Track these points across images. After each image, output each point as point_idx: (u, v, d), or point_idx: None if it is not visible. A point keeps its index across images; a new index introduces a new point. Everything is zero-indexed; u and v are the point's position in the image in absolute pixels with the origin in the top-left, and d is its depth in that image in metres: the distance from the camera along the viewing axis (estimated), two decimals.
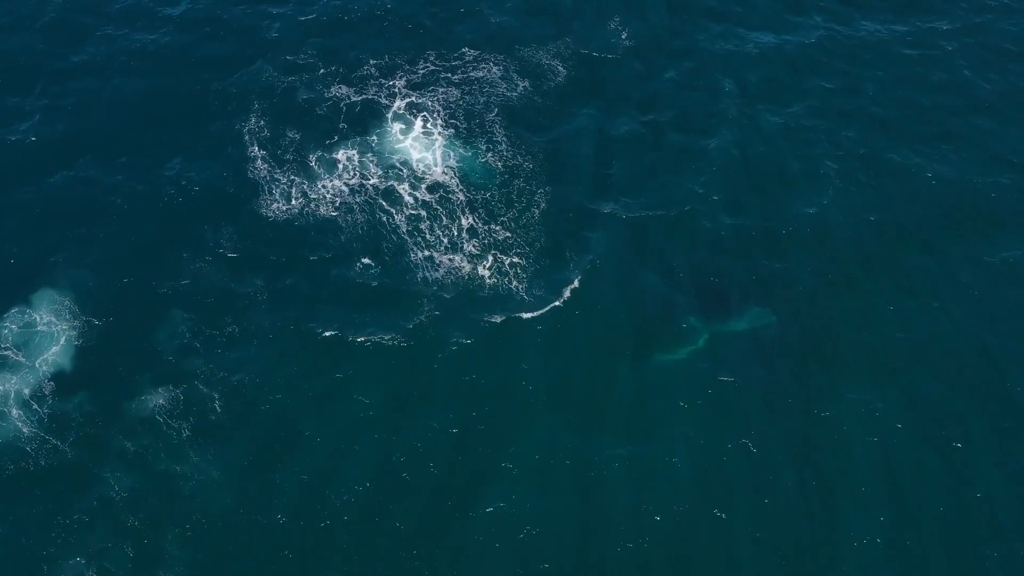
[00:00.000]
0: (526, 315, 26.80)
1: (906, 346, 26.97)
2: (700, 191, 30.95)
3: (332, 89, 33.49)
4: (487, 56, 35.04)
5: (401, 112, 32.51)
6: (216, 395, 24.99)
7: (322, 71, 34.23)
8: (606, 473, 23.89)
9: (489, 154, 31.20)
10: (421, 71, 34.23)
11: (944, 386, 26.07)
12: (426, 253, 28.21)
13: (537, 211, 29.58)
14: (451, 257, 28.02)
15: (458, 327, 26.52)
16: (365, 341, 26.19)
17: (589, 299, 27.56)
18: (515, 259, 28.07)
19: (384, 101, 32.98)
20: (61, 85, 33.77)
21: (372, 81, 33.76)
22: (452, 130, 32.00)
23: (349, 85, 33.58)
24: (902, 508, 23.51)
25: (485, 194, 29.92)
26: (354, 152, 31.16)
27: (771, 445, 24.60)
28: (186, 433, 24.24)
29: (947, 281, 28.63)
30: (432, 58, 34.85)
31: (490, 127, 32.23)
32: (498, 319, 26.71)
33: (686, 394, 25.57)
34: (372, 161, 30.86)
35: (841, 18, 37.97)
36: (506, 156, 31.21)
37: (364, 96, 33.20)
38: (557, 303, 27.18)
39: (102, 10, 36.87)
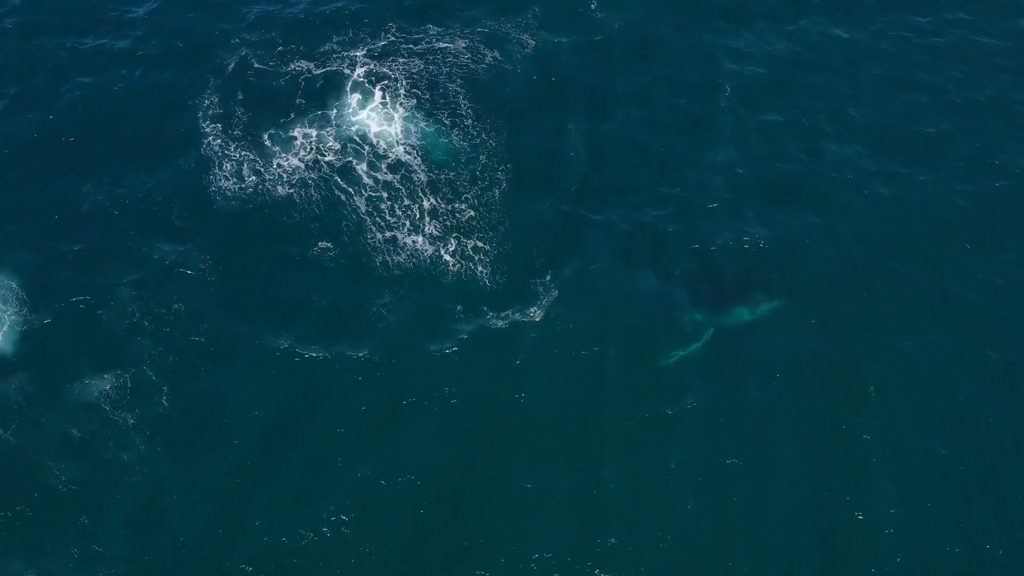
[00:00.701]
0: (499, 323, 25.49)
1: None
2: (686, 173, 30.08)
3: (292, 64, 32.20)
4: (452, 29, 33.85)
5: (362, 86, 31.31)
6: (164, 382, 24.04)
7: (280, 48, 32.90)
8: (605, 497, 22.68)
9: (453, 129, 30.18)
10: (383, 44, 32.98)
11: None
12: (387, 235, 27.24)
13: (498, 191, 28.55)
14: (413, 239, 27.08)
15: (427, 323, 25.56)
16: (323, 325, 25.43)
17: (571, 294, 26.42)
18: (478, 243, 27.11)
19: (345, 74, 31.74)
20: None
21: (334, 56, 32.46)
22: (414, 104, 30.87)
23: (309, 60, 32.30)
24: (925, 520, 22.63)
25: (447, 172, 28.90)
26: (312, 128, 30.02)
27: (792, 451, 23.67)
28: (132, 421, 23.34)
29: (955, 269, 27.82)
30: (395, 31, 33.57)
31: (454, 101, 31.15)
32: (471, 314, 25.69)
33: (695, 397, 24.39)
34: (331, 137, 29.74)
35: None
36: (470, 131, 30.20)
37: (325, 70, 31.92)
38: (539, 300, 26.05)
39: None
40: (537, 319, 25.56)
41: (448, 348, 24.89)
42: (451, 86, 31.62)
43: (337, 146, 29.44)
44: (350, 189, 28.36)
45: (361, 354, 24.68)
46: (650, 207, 29.00)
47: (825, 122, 31.75)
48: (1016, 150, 30.79)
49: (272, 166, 28.87)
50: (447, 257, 26.70)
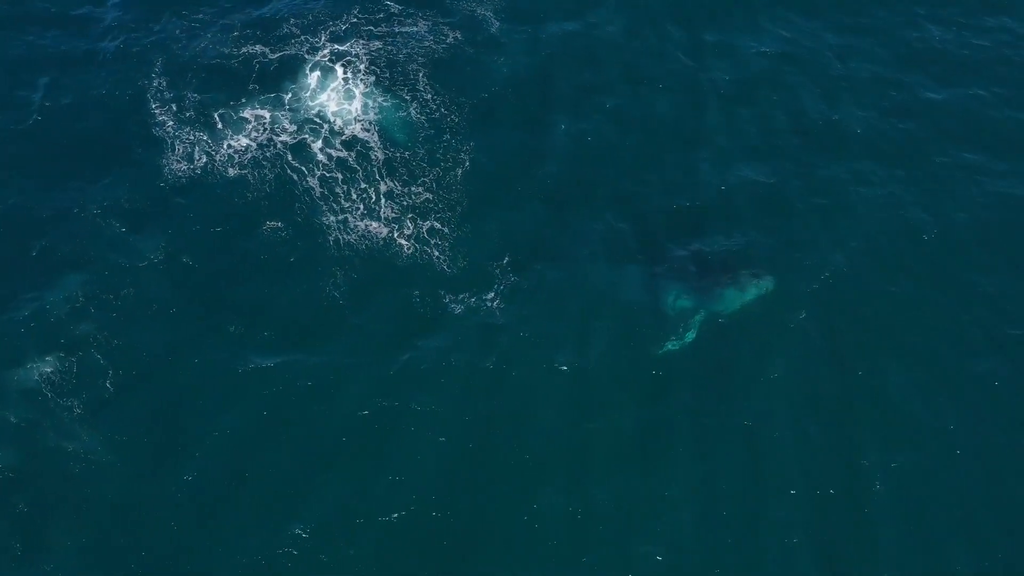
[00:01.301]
0: (458, 307, 24.62)
1: None
2: (647, 149, 29.25)
3: (247, 46, 31.46)
4: (416, 11, 33.18)
5: (320, 65, 30.64)
6: (110, 368, 23.33)
7: (236, 33, 32.17)
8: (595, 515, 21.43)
9: (412, 108, 29.50)
10: (344, 26, 32.26)
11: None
12: (340, 216, 26.52)
13: (461, 171, 27.81)
14: (367, 223, 26.36)
15: (383, 312, 24.78)
16: (276, 312, 24.73)
17: (534, 281, 25.48)
18: (436, 224, 26.39)
19: (304, 56, 31.06)
20: None
21: (292, 39, 31.72)
22: (373, 83, 30.18)
23: (265, 44, 31.56)
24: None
25: (405, 152, 28.19)
26: (267, 108, 29.32)
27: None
28: (77, 410, 22.62)
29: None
30: (357, 12, 32.88)
31: (414, 79, 30.45)
32: (429, 299, 24.81)
33: (685, 398, 23.32)
34: (286, 117, 29.03)
35: None
36: (431, 110, 29.52)
37: (282, 52, 31.17)
38: (495, 287, 25.14)
39: None
40: (495, 305, 24.77)
41: (409, 344, 24.01)
42: (413, 66, 30.91)
43: (292, 127, 28.75)
44: (304, 169, 27.66)
45: (315, 359, 23.66)
46: (626, 190, 28.18)
47: (814, 116, 30.90)
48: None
49: (224, 147, 28.14)
50: (402, 241, 25.96)
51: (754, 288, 25.32)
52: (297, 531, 20.72)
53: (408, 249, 25.79)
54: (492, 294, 25.02)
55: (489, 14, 33.11)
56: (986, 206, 27.92)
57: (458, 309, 24.59)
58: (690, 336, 24.43)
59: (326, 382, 23.29)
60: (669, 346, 24.22)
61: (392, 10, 33.11)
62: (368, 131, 28.62)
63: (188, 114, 29.12)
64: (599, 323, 24.81)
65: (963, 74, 32.14)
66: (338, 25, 32.28)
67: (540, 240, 26.71)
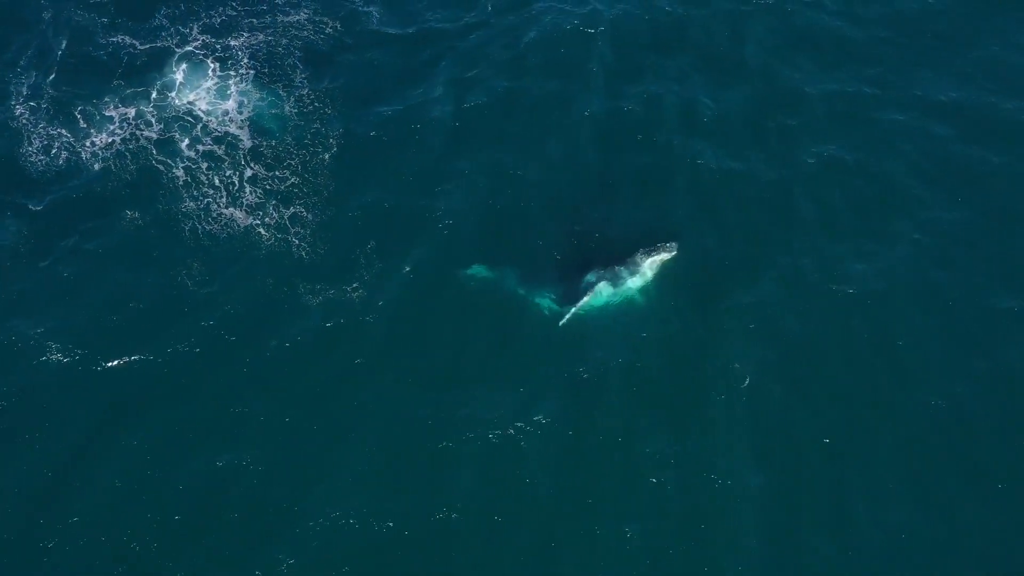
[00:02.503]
0: (316, 298, 23.89)
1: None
2: (531, 132, 28.83)
3: (115, 37, 30.78)
4: (296, 1, 32.82)
5: (192, 58, 30.11)
6: None
7: (105, 21, 31.45)
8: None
9: (288, 103, 29.01)
10: (219, 18, 31.76)
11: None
12: (201, 204, 25.95)
13: (328, 155, 27.28)
14: (230, 210, 25.76)
15: (244, 301, 24.09)
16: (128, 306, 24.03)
17: (418, 268, 24.87)
18: (299, 210, 25.80)
19: (175, 48, 30.49)
20: None
21: (163, 30, 31.11)
22: (248, 75, 29.65)
23: (134, 36, 30.87)
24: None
25: (272, 141, 27.64)
26: (134, 101, 28.69)
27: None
28: None
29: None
30: (236, 5, 32.42)
31: (291, 72, 30.03)
32: (288, 288, 24.15)
33: (553, 404, 22.46)
34: (153, 110, 28.43)
35: None
36: (305, 103, 29.02)
37: (151, 44, 30.59)
38: (360, 275, 24.53)
39: None
40: (357, 296, 24.18)
41: (267, 341, 23.25)
42: (290, 60, 30.48)
43: (160, 125, 28.11)
44: (169, 162, 27.08)
45: (163, 358, 22.83)
46: (502, 171, 27.72)
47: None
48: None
49: (89, 138, 27.54)
50: (262, 230, 25.39)
51: (666, 259, 25.07)
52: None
53: (268, 238, 25.22)
54: (356, 284, 24.44)
55: (371, 9, 32.76)
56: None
57: (316, 300, 23.99)
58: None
59: (172, 383, 22.56)
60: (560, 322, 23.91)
61: (274, 1, 32.67)
62: (240, 125, 28.05)
63: (51, 107, 28.44)
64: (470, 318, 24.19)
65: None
66: (213, 17, 31.73)
67: (410, 226, 26.15)
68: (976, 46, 31.00)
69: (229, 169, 26.82)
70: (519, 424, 21.78)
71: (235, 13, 32.18)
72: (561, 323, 23.77)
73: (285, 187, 26.39)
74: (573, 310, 23.98)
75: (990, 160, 27.41)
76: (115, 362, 22.75)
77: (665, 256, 24.94)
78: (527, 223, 26.33)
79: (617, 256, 24.98)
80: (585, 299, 24.18)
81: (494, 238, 25.94)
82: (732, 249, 25.55)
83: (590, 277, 24.57)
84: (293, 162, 27.05)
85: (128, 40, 30.69)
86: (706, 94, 29.82)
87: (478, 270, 24.99)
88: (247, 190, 26.22)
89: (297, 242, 25.17)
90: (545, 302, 24.31)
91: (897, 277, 24.78)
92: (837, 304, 24.26)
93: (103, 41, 30.70)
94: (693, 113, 29.29)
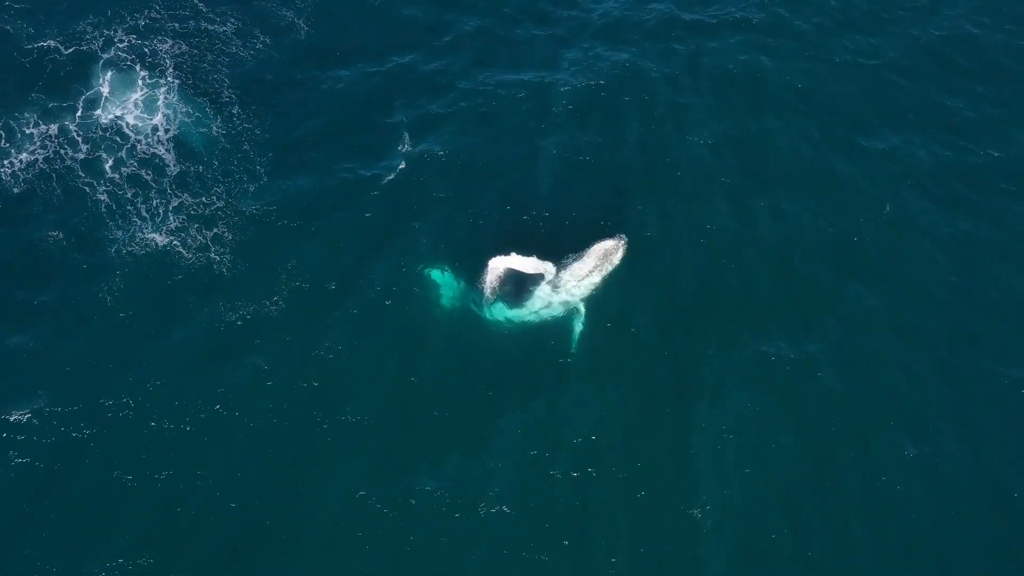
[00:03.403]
0: (235, 317, 24.43)
1: None
2: (485, 157, 29.32)
3: (40, 43, 30.62)
4: (223, 8, 32.96)
5: (117, 70, 30.15)
6: None
7: (27, 27, 31.21)
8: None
9: (213, 118, 29.38)
10: (144, 25, 31.77)
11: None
12: (128, 232, 26.29)
13: (255, 186, 27.73)
14: (152, 235, 26.13)
15: (157, 315, 24.62)
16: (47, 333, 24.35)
17: (323, 289, 25.49)
18: (222, 231, 26.36)
19: (100, 56, 30.48)
20: None
21: (86, 37, 30.99)
22: (174, 84, 29.83)
23: (58, 40, 30.75)
24: None
25: (199, 166, 27.94)
26: (58, 116, 28.67)
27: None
28: None
29: None
30: (159, 8, 32.44)
31: (218, 88, 30.34)
32: (207, 309, 24.57)
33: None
34: (76, 127, 28.48)
35: None
36: (233, 123, 29.36)
37: (74, 50, 30.49)
38: (280, 289, 25.06)
39: None
40: (275, 310, 24.78)
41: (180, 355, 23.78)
42: (217, 75, 30.66)
43: (84, 135, 28.24)
44: (94, 182, 27.33)
45: (78, 399, 22.86)
46: (439, 199, 28.28)
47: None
48: None
49: (8, 158, 27.51)
50: (184, 250, 25.84)
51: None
52: None
53: (189, 258, 25.63)
54: (276, 297, 25.02)
55: (300, 21, 33.11)
56: None
57: (234, 317, 24.55)
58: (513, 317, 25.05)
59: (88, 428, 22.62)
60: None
61: (200, 7, 32.76)
62: (167, 147, 28.26)
63: None
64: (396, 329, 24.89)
65: None
66: (139, 24, 31.73)
67: (338, 240, 26.80)
68: None
69: (155, 197, 27.10)
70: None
71: (159, 16, 32.25)
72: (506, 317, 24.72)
73: (210, 211, 26.83)
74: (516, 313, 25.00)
75: None
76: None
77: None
78: (468, 230, 27.28)
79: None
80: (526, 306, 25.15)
81: (429, 251, 26.74)
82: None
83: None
84: (220, 189, 27.48)
85: (53, 44, 30.48)
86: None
87: (424, 274, 25.97)
88: (171, 218, 26.63)
89: (218, 259, 25.68)
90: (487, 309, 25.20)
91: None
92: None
93: (28, 47, 30.47)
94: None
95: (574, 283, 25.20)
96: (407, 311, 25.23)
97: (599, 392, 23.89)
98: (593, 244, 25.70)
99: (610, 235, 25.93)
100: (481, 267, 25.49)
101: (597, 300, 25.55)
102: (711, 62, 33.43)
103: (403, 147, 29.29)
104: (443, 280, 25.87)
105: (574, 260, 25.53)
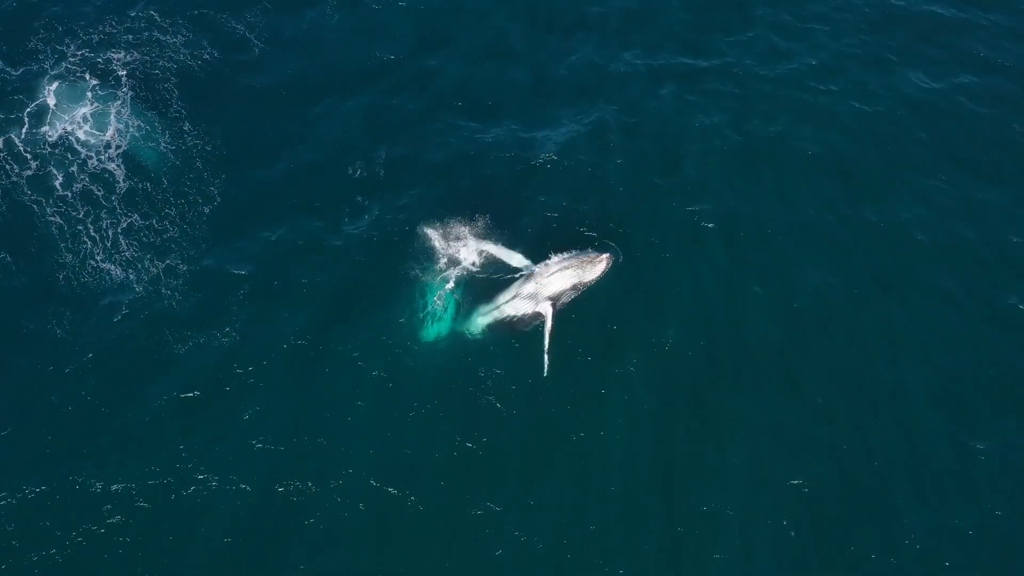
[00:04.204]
0: (183, 347, 24.45)
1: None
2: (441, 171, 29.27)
3: None
4: (175, 24, 32.68)
5: (69, 76, 29.83)
6: None
7: None
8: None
9: (164, 137, 29.28)
10: (96, 39, 31.38)
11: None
12: (78, 256, 26.24)
13: (208, 208, 27.69)
14: (104, 264, 26.03)
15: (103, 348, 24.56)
16: None
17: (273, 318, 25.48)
18: (174, 261, 26.50)
19: (49, 69, 30.15)
20: None
21: (35, 52, 30.60)
22: (127, 96, 29.63)
23: (6, 59, 30.35)
24: None
25: (148, 185, 27.87)
26: (4, 130, 28.41)
27: None
28: None
29: None
30: (113, 22, 32.03)
31: (168, 101, 30.12)
32: (157, 339, 24.53)
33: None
34: (22, 144, 28.24)
35: None
36: (183, 140, 29.30)
37: (23, 69, 30.11)
38: (231, 318, 25.05)
39: None
40: (226, 341, 24.89)
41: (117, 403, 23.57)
42: (167, 86, 30.46)
43: (36, 154, 28.05)
44: (42, 201, 27.20)
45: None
46: (387, 210, 28.33)
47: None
48: None
49: None
50: (134, 277, 25.85)
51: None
52: None
53: (141, 292, 25.64)
54: (228, 328, 25.07)
55: (251, 36, 32.96)
56: None
57: (182, 349, 24.59)
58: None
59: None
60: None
61: (155, 19, 32.44)
62: (118, 164, 28.08)
63: None
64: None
65: None
66: (91, 38, 31.37)
67: (287, 274, 26.70)
68: None
69: (106, 217, 27.04)
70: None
71: (114, 30, 31.91)
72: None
73: (162, 240, 26.87)
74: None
75: None
76: None
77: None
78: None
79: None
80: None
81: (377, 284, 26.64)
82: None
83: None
84: (171, 211, 27.46)
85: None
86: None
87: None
88: (122, 242, 26.67)
89: (169, 293, 25.68)
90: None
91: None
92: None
93: None
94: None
95: (547, 287, 25.40)
96: (373, 338, 25.20)
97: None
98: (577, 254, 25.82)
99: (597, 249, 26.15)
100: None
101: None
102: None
103: (359, 163, 29.40)
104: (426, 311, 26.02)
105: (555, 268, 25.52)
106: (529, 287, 25.67)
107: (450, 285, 26.12)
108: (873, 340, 26.25)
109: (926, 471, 23.72)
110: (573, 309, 26.02)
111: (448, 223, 27.29)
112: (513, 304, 25.83)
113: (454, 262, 26.58)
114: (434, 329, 25.73)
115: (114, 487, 22.22)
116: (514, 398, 24.27)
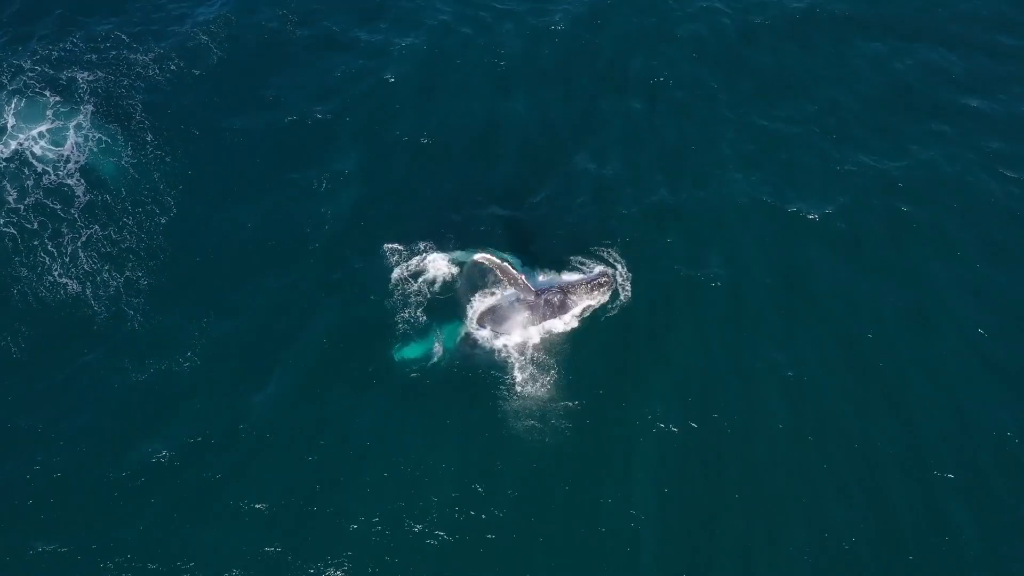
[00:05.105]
0: (142, 375, 23.60)
1: None
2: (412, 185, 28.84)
3: None
4: (139, 37, 32.41)
5: (27, 91, 29.48)
6: None
7: None
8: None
9: (126, 149, 28.85)
10: (56, 52, 31.09)
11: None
12: (35, 271, 25.69)
13: (166, 219, 27.15)
14: (63, 279, 25.60)
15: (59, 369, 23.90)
16: None
17: (236, 336, 24.77)
18: (134, 275, 25.84)
19: (6, 83, 29.79)
20: None
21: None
22: (87, 112, 29.25)
23: None
24: None
25: (107, 196, 27.40)
26: None
27: None
28: None
29: None
30: (76, 37, 31.75)
31: (131, 114, 29.81)
32: (116, 363, 23.73)
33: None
34: None
35: None
36: (145, 151, 28.87)
37: None
38: (192, 346, 24.27)
39: None
40: (187, 367, 23.96)
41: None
42: (131, 101, 30.21)
43: None
44: None
45: None
46: (354, 229, 27.81)
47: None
48: None
49: None
50: (91, 295, 25.26)
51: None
52: None
53: (100, 311, 25.06)
54: (189, 353, 24.25)
55: (213, 47, 32.71)
56: None
57: (142, 377, 23.84)
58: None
59: None
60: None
61: (114, 34, 32.17)
62: (77, 179, 27.62)
63: None
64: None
65: None
66: (51, 51, 31.06)
67: (251, 290, 26.04)
68: None
69: (65, 229, 26.54)
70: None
71: (72, 45, 31.60)
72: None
73: (119, 251, 26.41)
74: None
75: None
76: None
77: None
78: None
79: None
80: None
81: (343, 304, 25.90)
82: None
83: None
84: (129, 221, 26.96)
85: None
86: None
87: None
88: (81, 255, 26.22)
89: (132, 313, 25.11)
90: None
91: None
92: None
93: None
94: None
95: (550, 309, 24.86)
96: (343, 357, 24.56)
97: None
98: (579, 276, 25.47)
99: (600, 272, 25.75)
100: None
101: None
102: None
103: (324, 176, 29.06)
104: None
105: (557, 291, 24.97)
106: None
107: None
108: None
109: None
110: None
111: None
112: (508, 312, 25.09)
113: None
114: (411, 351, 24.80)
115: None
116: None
